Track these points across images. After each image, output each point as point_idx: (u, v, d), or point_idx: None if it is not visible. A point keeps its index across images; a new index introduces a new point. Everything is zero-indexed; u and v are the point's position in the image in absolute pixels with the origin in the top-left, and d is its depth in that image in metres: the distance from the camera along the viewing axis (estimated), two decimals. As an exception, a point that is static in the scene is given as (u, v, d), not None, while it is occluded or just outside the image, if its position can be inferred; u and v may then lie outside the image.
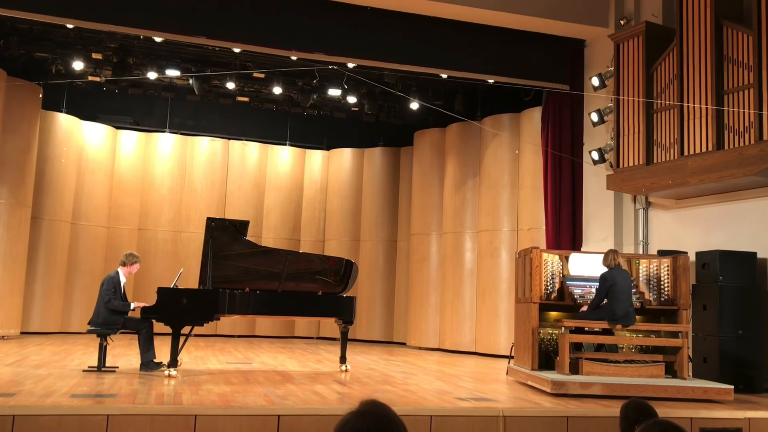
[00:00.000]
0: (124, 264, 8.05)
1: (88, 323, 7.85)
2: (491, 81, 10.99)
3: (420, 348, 13.48)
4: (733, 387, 6.92)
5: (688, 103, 8.55)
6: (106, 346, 7.72)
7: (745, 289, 7.95)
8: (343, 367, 8.62)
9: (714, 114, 8.19)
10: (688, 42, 8.64)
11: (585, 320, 7.43)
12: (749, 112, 7.81)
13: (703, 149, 8.29)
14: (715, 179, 8.12)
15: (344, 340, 8.67)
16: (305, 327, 15.11)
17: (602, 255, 7.68)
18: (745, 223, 8.47)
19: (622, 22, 10.17)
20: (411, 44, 10.28)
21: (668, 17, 9.65)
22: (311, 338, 15.05)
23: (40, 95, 12.68)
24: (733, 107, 8.04)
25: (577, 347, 7.45)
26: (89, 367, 7.79)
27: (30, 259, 12.69)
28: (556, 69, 10.94)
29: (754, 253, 8.09)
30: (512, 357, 8.64)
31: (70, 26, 10.24)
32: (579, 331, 7.48)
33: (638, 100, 9.30)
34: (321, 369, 8.94)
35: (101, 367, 7.63)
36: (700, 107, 8.35)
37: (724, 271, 7.95)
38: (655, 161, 9.03)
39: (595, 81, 10.18)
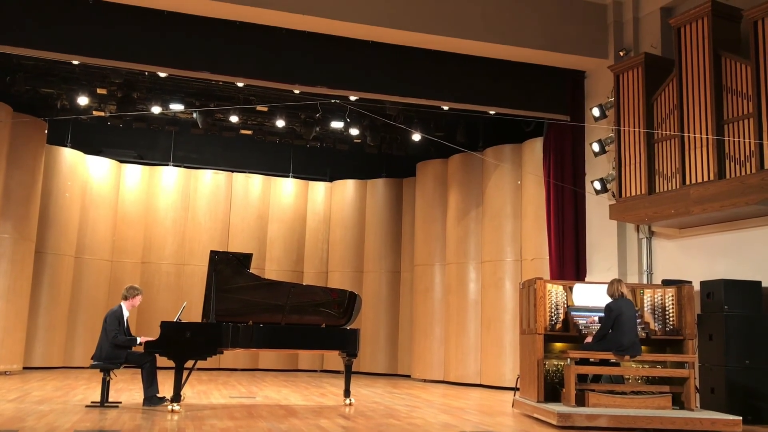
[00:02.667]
0: (126, 298, 8.05)
1: (92, 358, 7.82)
2: (492, 112, 11.09)
3: (425, 380, 13.38)
4: (741, 418, 6.84)
5: (688, 133, 8.59)
6: (109, 381, 7.68)
7: (750, 318, 7.90)
8: (348, 401, 8.55)
9: (715, 143, 8.23)
10: (688, 72, 8.71)
11: (591, 351, 7.38)
12: (750, 142, 7.85)
13: (705, 179, 8.32)
14: (718, 208, 8.13)
15: (348, 373, 8.62)
16: (309, 360, 15.02)
17: (605, 285, 7.66)
18: (749, 251, 8.46)
19: (621, 54, 10.27)
20: (412, 77, 10.38)
21: (667, 48, 9.75)
22: (315, 371, 14.95)
23: (45, 131, 12.79)
24: (734, 137, 8.08)
25: (583, 379, 7.39)
26: (92, 402, 7.75)
27: (33, 293, 12.69)
28: (557, 100, 11.03)
29: (759, 282, 8.05)
30: (518, 389, 8.57)
31: (75, 62, 10.37)
32: (584, 362, 7.42)
33: (639, 131, 9.35)
34: (325, 403, 8.87)
35: (104, 402, 7.59)
36: (701, 137, 8.40)
37: (729, 301, 7.91)
38: (657, 191, 9.05)
39: (596, 111, 10.25)
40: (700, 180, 8.39)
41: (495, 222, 12.61)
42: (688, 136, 8.58)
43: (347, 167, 15.70)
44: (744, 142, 7.94)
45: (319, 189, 15.76)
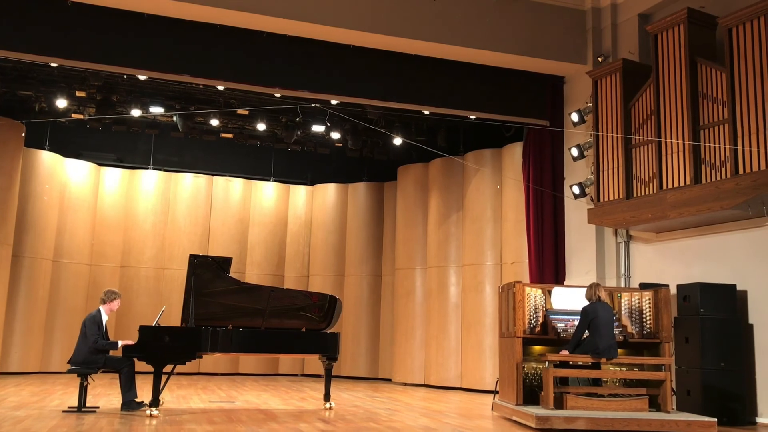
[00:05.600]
0: (104, 302, 7.99)
1: (69, 362, 7.75)
2: (473, 117, 11.14)
3: (405, 384, 13.40)
4: (716, 420, 6.93)
5: (665, 138, 8.71)
6: (86, 386, 7.61)
7: (725, 321, 8.02)
8: (328, 405, 8.54)
9: (691, 149, 8.35)
10: (664, 78, 8.83)
11: (568, 354, 7.43)
12: (725, 147, 7.97)
13: (681, 183, 8.43)
14: (694, 212, 8.24)
15: (328, 377, 8.60)
16: (289, 364, 14.98)
17: (583, 288, 7.74)
18: (725, 255, 8.58)
19: (599, 59, 10.39)
20: (393, 81, 10.42)
21: (644, 54, 9.87)
22: (295, 375, 14.91)
23: (23, 133, 12.66)
24: (709, 142, 8.20)
25: (561, 381, 7.45)
26: (69, 407, 7.68)
27: (10, 297, 12.54)
28: (537, 105, 11.12)
29: (734, 285, 8.17)
30: (497, 392, 8.62)
31: (53, 65, 10.28)
32: (563, 365, 7.47)
33: (617, 136, 9.45)
34: (305, 407, 8.85)
35: (81, 407, 7.52)
36: (677, 142, 8.51)
37: (705, 304, 8.02)
38: (634, 195, 9.15)
39: (575, 117, 10.35)
40: (676, 185, 8.50)
41: (475, 226, 12.67)
42: (665, 142, 8.69)
43: (328, 171, 15.71)
44: (719, 147, 8.06)
45: (300, 193, 15.74)
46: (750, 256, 8.26)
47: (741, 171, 7.74)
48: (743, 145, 7.73)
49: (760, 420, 7.93)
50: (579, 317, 7.59)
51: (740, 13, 7.88)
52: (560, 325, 7.83)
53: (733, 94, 7.91)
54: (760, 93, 7.63)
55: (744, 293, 8.26)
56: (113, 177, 14.54)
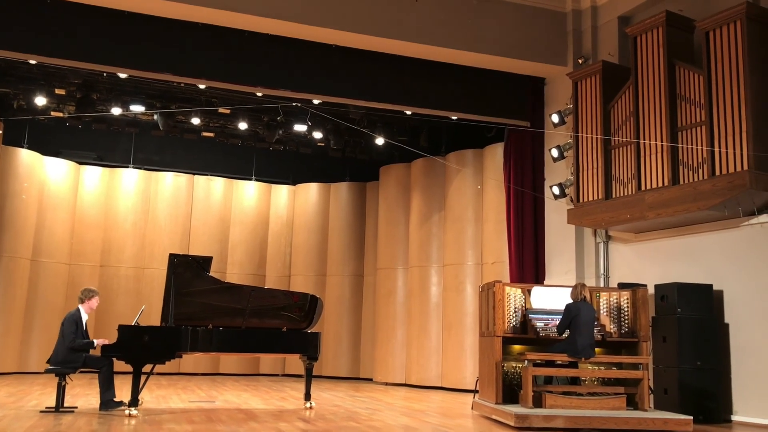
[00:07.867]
0: (82, 300, 7.93)
1: (47, 362, 7.69)
2: (454, 118, 11.19)
3: (386, 384, 13.41)
4: (692, 418, 7.02)
5: (644, 139, 8.80)
6: (64, 386, 7.55)
7: (702, 320, 8.12)
8: (308, 404, 8.54)
9: (669, 150, 8.44)
10: (643, 81, 8.92)
11: (546, 353, 7.50)
12: (702, 149, 8.07)
13: (660, 184, 8.52)
14: (672, 213, 8.34)
15: (309, 377, 8.60)
16: (270, 364, 14.95)
17: (562, 288, 7.81)
18: (701, 256, 8.68)
19: (579, 61, 10.47)
20: (375, 81, 10.44)
21: (624, 56, 9.96)
22: (276, 375, 14.88)
23: (1, 131, 12.52)
24: (687, 144, 8.30)
25: (546, 380, 7.51)
26: (47, 407, 7.61)
27: (-13, 297, 12.42)
28: (517, 106, 11.19)
29: (710, 285, 8.28)
30: (477, 391, 8.66)
31: (32, 62, 10.18)
32: (543, 364, 7.53)
33: (596, 137, 9.54)
34: (285, 406, 8.85)
35: (59, 407, 7.46)
36: (656, 144, 8.61)
37: (682, 303, 8.12)
38: (613, 196, 9.24)
39: (555, 118, 10.43)
40: (654, 186, 8.59)
41: (457, 226, 12.72)
42: (644, 143, 8.78)
43: (310, 171, 15.69)
44: (697, 149, 8.16)
45: (282, 192, 15.71)
46: (726, 256, 8.38)
47: (718, 172, 7.84)
48: (720, 147, 7.84)
49: (735, 418, 8.04)
50: (558, 316, 7.66)
51: (717, 16, 7.98)
52: (540, 324, 7.89)
53: (710, 96, 8.02)
54: (736, 95, 7.74)
55: (720, 293, 8.37)
56: (93, 176, 14.43)
